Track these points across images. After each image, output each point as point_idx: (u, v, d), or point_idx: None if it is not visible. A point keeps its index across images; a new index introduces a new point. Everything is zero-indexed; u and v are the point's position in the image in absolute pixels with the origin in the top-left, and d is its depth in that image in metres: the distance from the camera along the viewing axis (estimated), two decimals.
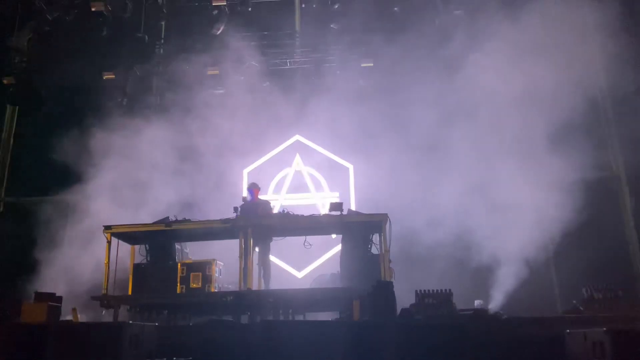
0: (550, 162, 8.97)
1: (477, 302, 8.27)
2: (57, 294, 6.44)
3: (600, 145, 9.65)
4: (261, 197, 8.95)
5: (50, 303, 5.87)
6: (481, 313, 6.50)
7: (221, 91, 11.90)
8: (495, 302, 8.62)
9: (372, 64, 11.82)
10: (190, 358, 4.91)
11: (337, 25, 11.62)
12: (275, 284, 8.26)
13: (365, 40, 11.51)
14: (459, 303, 6.38)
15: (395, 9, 11.51)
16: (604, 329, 3.97)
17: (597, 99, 10.98)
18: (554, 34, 9.29)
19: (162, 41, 12.55)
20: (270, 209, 8.36)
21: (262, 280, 8.12)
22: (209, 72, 11.88)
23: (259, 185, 8.86)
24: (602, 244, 9.33)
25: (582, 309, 6.08)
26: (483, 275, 8.95)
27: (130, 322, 4.76)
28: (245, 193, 10.72)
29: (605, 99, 11.09)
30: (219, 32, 11.71)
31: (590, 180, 9.17)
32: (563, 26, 9.23)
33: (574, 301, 6.41)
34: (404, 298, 6.47)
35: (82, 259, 9.23)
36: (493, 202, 9.12)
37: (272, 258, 8.62)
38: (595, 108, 10.76)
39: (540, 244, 9.23)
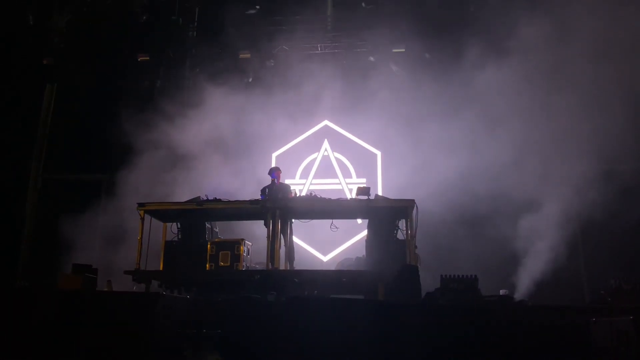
0: (583, 152, 8.81)
1: (502, 291, 8.24)
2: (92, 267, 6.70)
3: (635, 135, 9.39)
4: (286, 181, 9.02)
5: (87, 274, 6.11)
6: (506, 300, 6.50)
7: (252, 75, 12.03)
8: (521, 291, 8.57)
9: (403, 50, 11.76)
10: (219, 331, 5.07)
11: (369, 7, 11.55)
12: (300, 267, 8.39)
13: (397, 26, 11.42)
14: (485, 291, 6.39)
15: None
16: (630, 317, 3.95)
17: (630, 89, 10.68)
18: (592, 28, 9.04)
19: (196, 24, 12.71)
20: (289, 192, 8.43)
21: (287, 262, 8.25)
22: (241, 56, 12.04)
23: (280, 169, 8.90)
24: (634, 235, 9.15)
25: (609, 299, 6.01)
26: (510, 264, 8.88)
27: (164, 293, 4.96)
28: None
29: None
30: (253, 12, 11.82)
31: (623, 171, 8.98)
32: (599, 18, 8.98)
33: (602, 291, 6.35)
34: (429, 285, 6.51)
35: (116, 234, 9.55)
36: (523, 191, 9.03)
37: (297, 241, 8.71)
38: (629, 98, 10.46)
39: (570, 233, 9.11)
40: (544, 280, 8.58)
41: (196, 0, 12.56)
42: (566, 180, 8.90)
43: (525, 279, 8.58)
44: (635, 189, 9.41)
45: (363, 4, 11.68)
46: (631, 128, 8.98)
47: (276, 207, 7.53)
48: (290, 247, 8.16)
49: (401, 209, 7.39)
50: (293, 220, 8.20)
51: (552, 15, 9.12)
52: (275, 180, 8.52)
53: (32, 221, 11.72)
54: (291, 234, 8.22)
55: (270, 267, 7.40)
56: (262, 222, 7.89)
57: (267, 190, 8.33)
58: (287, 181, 8.90)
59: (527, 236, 8.78)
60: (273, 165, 8.99)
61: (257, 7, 11.74)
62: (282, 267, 7.79)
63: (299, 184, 11.42)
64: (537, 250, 8.64)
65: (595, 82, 8.77)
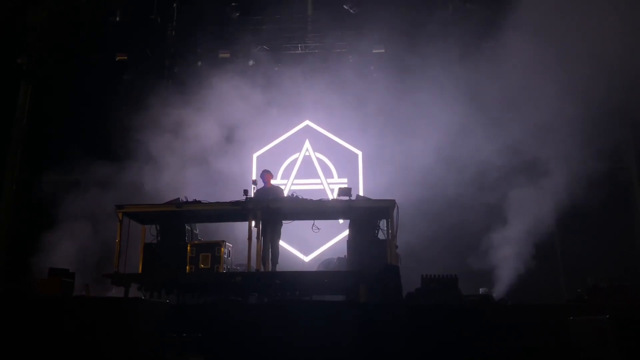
0: (560, 151, 8.95)
1: (481, 290, 8.34)
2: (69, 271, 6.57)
3: (612, 137, 9.60)
4: (272, 182, 8.98)
5: (64, 279, 6.00)
6: (486, 299, 6.57)
7: (232, 74, 11.94)
8: (500, 290, 8.69)
9: (383, 50, 11.81)
10: (200, 335, 5.02)
11: (349, 7, 11.59)
12: (281, 267, 8.36)
13: (377, 26, 11.46)
14: (464, 290, 6.45)
15: None
16: (607, 316, 4.02)
17: (610, 90, 10.87)
18: (565, 25, 9.17)
19: (175, 23, 12.56)
20: (282, 195, 8.42)
21: (270, 264, 8.22)
22: (221, 56, 11.95)
23: (271, 171, 8.90)
24: (610, 235, 9.34)
25: (586, 297, 6.12)
26: (489, 264, 9.00)
27: (143, 296, 4.89)
28: (254, 176, 10.83)
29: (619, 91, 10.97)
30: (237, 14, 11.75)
31: (600, 171, 9.16)
32: (576, 16, 9.10)
33: (579, 290, 6.45)
34: (409, 284, 6.55)
35: (94, 237, 9.40)
36: (502, 191, 9.15)
37: (280, 242, 8.67)
38: (608, 98, 10.66)
39: (547, 233, 9.26)
40: (522, 279, 8.72)
41: None
42: (544, 180, 9.04)
43: (504, 278, 8.70)
44: (612, 188, 9.61)
45: (345, 7, 11.66)
46: (610, 129, 9.17)
47: (257, 208, 7.48)
48: (276, 250, 8.13)
49: (382, 209, 7.40)
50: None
51: (532, 12, 9.21)
52: (265, 184, 8.49)
53: (7, 224, 11.46)
54: (279, 237, 8.18)
55: (251, 268, 7.35)
56: (242, 223, 7.82)
57: (250, 191, 8.26)
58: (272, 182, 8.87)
59: (506, 235, 8.91)
60: (263, 168, 8.97)
61: (233, 4, 11.62)
62: (263, 269, 7.74)
63: (280, 185, 11.38)
64: (515, 250, 8.76)
65: (576, 81, 8.89)
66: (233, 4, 11.78)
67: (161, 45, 12.30)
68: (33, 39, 12.01)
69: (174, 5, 12.54)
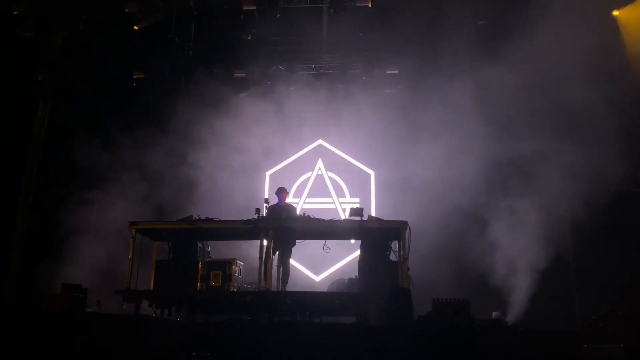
0: (577, 174, 8.86)
1: (494, 314, 8.23)
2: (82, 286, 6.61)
3: (630, 159, 9.48)
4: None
5: (76, 294, 6.04)
6: (498, 324, 6.48)
7: (247, 94, 12.07)
8: (514, 314, 8.56)
9: (397, 72, 11.89)
10: (209, 354, 5.01)
11: (364, 32, 11.74)
12: (292, 287, 8.32)
13: (391, 48, 11.56)
14: (477, 313, 6.37)
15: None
16: (622, 345, 3.95)
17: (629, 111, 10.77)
18: (577, 44, 9.13)
19: (192, 43, 12.78)
20: (295, 213, 8.43)
21: (280, 283, 8.19)
22: (236, 75, 12.11)
23: (287, 190, 8.92)
24: (627, 260, 9.18)
25: (601, 325, 6.01)
26: (502, 287, 8.89)
27: (154, 316, 4.90)
28: (267, 195, 10.89)
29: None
30: (249, 37, 11.93)
31: (617, 194, 9.05)
32: (589, 34, 9.07)
33: (593, 317, 6.34)
34: (420, 307, 6.49)
35: (106, 253, 9.47)
36: (516, 215, 9.07)
37: (291, 261, 8.63)
38: (625, 120, 10.56)
39: (562, 257, 9.13)
40: (536, 305, 8.58)
41: (192, 19, 12.65)
42: (559, 203, 8.96)
43: (518, 303, 8.57)
44: (628, 212, 9.46)
45: (359, 12, 11.76)
46: (621, 148, 9.07)
47: (269, 227, 7.50)
48: (286, 269, 8.12)
49: (394, 230, 7.38)
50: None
51: (544, 43, 9.21)
52: (278, 200, 8.52)
53: (23, 237, 11.58)
54: (289, 256, 8.18)
55: (262, 288, 7.34)
56: (254, 241, 7.83)
57: (264, 209, 8.27)
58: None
59: (520, 258, 8.80)
60: (279, 186, 9.03)
61: (254, 30, 11.82)
62: (273, 288, 7.72)
63: (293, 204, 11.39)
64: (529, 274, 8.65)
65: (583, 103, 8.85)
66: (250, 26, 11.95)
67: (178, 65, 12.49)
68: (52, 57, 12.26)
69: (192, 25, 12.76)
